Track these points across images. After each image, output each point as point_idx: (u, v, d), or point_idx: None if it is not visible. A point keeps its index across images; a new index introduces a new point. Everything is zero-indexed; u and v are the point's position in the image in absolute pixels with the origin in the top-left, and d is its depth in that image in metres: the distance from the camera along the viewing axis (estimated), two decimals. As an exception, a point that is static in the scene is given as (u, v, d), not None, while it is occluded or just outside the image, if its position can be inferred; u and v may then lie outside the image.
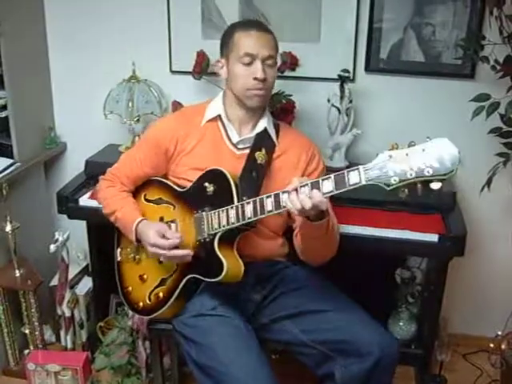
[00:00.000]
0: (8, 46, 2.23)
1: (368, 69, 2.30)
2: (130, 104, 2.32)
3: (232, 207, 1.60)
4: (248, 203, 1.57)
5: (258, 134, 1.78)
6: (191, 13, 2.35)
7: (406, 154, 1.30)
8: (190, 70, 2.31)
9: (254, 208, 1.55)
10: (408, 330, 2.35)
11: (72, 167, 2.59)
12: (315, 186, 1.43)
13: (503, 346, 2.22)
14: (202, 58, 2.27)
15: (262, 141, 1.77)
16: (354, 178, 1.37)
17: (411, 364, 2.40)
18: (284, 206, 1.49)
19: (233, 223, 1.59)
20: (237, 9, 2.30)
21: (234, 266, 1.63)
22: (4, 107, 2.31)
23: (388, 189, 1.33)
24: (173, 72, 2.46)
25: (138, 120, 2.35)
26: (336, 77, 2.21)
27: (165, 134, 1.80)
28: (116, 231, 1.92)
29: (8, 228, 2.25)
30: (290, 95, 2.25)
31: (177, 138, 1.78)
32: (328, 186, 1.42)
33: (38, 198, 2.60)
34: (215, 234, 1.63)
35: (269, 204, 1.52)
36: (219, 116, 1.80)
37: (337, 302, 1.73)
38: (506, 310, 2.36)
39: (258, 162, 1.73)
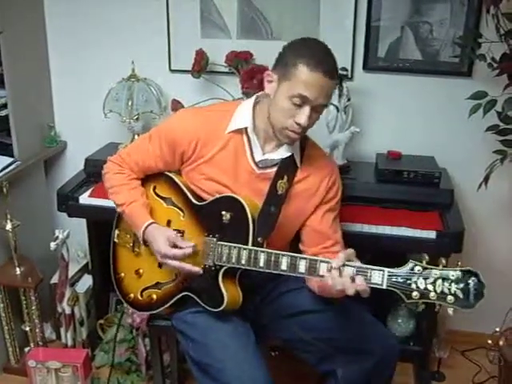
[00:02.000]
0: (8, 44, 2.24)
1: (366, 67, 2.31)
2: (130, 103, 2.32)
3: (245, 249, 1.53)
4: (263, 252, 1.51)
5: (283, 161, 1.65)
6: (190, 11, 2.36)
7: (435, 274, 1.29)
8: (190, 68, 2.32)
9: (268, 261, 1.50)
10: (407, 326, 2.35)
11: (72, 165, 2.61)
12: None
13: (501, 343, 2.22)
14: (201, 56, 2.28)
15: (286, 167, 1.66)
16: (377, 278, 1.36)
17: (410, 361, 2.41)
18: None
19: (243, 265, 1.54)
20: (236, 7, 2.32)
21: (233, 297, 1.60)
22: (4, 106, 2.32)
23: (406, 301, 1.32)
24: (172, 71, 2.47)
25: (138, 119, 2.36)
26: (334, 75, 2.21)
27: (183, 134, 1.67)
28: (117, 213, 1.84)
29: (8, 226, 2.26)
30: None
31: (196, 141, 1.66)
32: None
33: (38, 197, 2.61)
34: (221, 266, 1.58)
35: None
36: (245, 128, 1.65)
37: (338, 301, 1.71)
38: (504, 307, 2.37)
39: (279, 192, 1.63)
